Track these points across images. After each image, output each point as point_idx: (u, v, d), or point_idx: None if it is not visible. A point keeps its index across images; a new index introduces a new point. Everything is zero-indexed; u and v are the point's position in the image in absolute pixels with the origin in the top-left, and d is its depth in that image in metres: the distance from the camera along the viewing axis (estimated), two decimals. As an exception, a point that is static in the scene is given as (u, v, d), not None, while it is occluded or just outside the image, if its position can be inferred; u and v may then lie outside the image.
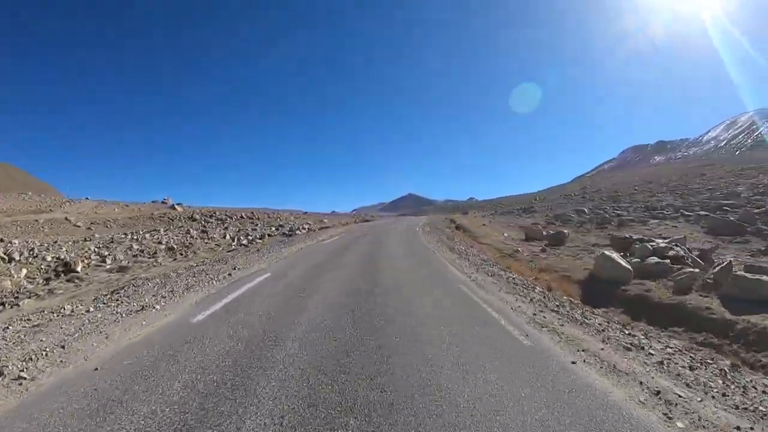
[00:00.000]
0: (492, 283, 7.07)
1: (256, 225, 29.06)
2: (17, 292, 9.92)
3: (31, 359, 3.99)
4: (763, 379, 4.44)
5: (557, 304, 5.71)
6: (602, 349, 4.26)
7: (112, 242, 19.07)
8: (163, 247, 17.82)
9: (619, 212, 25.18)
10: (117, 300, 6.43)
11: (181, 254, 16.18)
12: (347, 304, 5.55)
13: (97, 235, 25.14)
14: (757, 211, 18.34)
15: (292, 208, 62.18)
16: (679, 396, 3.38)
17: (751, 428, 2.93)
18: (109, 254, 16.05)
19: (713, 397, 3.47)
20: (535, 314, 5.19)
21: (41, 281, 11.86)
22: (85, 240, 21.68)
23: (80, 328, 4.88)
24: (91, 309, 5.87)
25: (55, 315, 5.84)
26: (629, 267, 7.44)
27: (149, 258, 15.54)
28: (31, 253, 16.21)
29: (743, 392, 3.72)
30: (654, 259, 7.78)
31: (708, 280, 6.72)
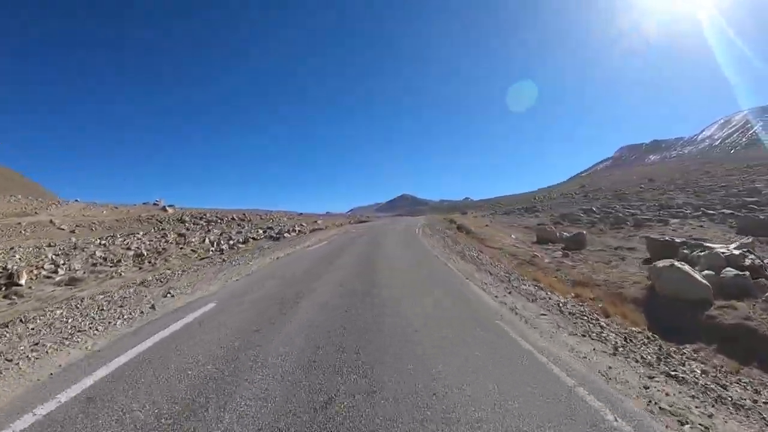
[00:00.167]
0: (540, 314, 4.83)
1: (243, 227, 27.03)
2: None
3: None
4: None
5: (657, 352, 3.75)
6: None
7: (75, 248, 17.00)
8: (131, 253, 15.81)
9: (631, 211, 23.51)
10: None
11: (150, 262, 14.19)
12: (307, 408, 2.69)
13: (74, 239, 23.14)
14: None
15: (287, 210, 60.09)
16: None
17: None
18: (65, 263, 14.00)
19: None
20: (647, 387, 3.08)
21: (-36, 299, 9.81)
22: (50, 245, 19.56)
23: None
24: None
25: None
26: (707, 283, 5.66)
27: (111, 267, 13.53)
28: (-25, 262, 14.13)
29: None
30: (731, 271, 6.03)
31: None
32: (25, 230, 29.42)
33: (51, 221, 34.64)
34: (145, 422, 2.60)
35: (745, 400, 3.11)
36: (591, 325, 4.47)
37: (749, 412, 2.86)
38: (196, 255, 15.07)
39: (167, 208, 48.85)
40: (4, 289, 10.98)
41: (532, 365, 3.45)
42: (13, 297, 10.11)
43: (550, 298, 5.74)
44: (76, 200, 55.02)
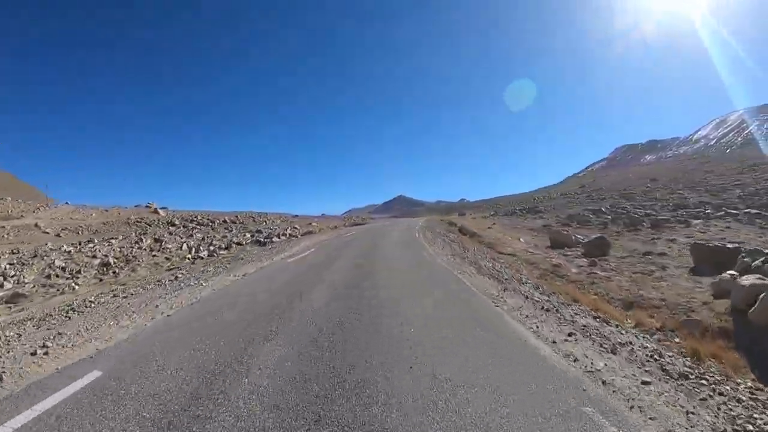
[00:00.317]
0: (642, 384, 3.07)
1: (231, 231, 25.26)
2: None
3: None
4: None
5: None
6: None
7: (35, 256, 15.17)
8: (97, 262, 14.04)
9: (645, 211, 22.03)
10: None
11: (114, 273, 12.45)
12: None
13: (48, 245, 21.34)
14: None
15: (283, 212, 58.29)
16: None
17: None
18: (15, 274, 12.21)
19: None
20: None
21: None
22: (12, 252, 17.68)
23: None
24: None
25: None
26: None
27: (68, 279, 11.77)
28: None
29: None
30: None
31: None
32: (8, 234, 27.88)
33: (36, 225, 33.09)
34: None
35: None
36: (733, 403, 2.83)
37: None
38: (169, 263, 13.35)
39: (159, 210, 47.16)
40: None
41: None
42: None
43: (629, 343, 4.01)
44: (67, 203, 53.12)
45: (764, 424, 2.59)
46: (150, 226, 34.75)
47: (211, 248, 15.40)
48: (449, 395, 2.88)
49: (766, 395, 3.06)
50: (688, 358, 3.80)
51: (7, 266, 13.58)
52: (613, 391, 3.02)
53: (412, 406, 2.74)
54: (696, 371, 3.38)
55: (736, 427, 2.56)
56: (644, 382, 3.08)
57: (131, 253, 15.53)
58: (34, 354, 4.05)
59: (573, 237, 14.68)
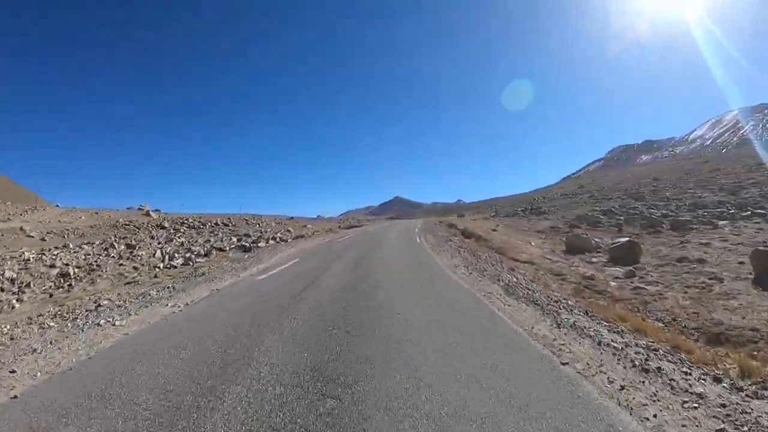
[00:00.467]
0: None
1: (217, 235, 23.55)
2: None
3: None
4: None
5: None
6: None
7: (-13, 266, 13.40)
8: (55, 272, 12.31)
9: (662, 212, 20.62)
10: None
11: (69, 285, 10.76)
12: None
13: (24, 252, 19.64)
14: None
15: (280, 213, 56.49)
16: None
17: None
18: (-49, 289, 10.48)
19: None
20: None
21: None
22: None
23: None
24: None
25: None
26: None
27: (12, 294, 10.06)
28: None
29: None
30: None
31: None
32: (-8, 238, 26.00)
33: (22, 228, 31.37)
34: None
35: None
36: None
37: None
38: (135, 273, 11.66)
39: (152, 213, 45.53)
40: None
41: None
42: None
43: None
44: (57, 205, 51.20)
45: None
46: (139, 229, 33.06)
47: (187, 255, 13.73)
48: None
49: None
50: None
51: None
52: None
53: None
54: None
55: None
56: None
57: (98, 260, 13.82)
58: None
59: (592, 241, 13.19)
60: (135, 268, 12.40)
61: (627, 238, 11.79)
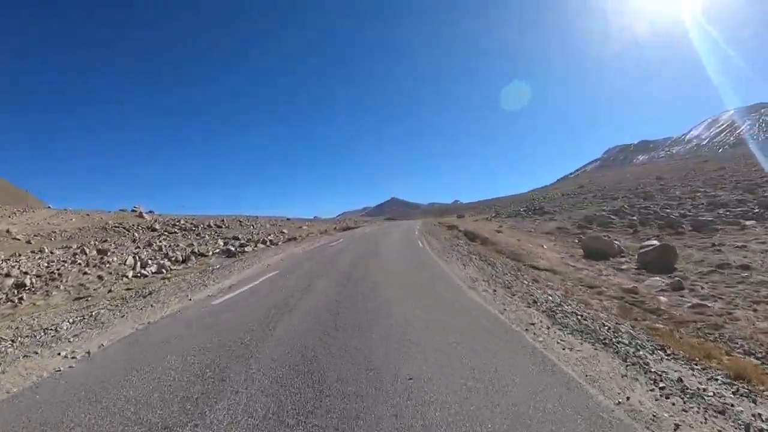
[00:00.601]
0: None
1: (203, 237, 22.04)
2: None
3: None
4: None
5: None
6: None
7: (-66, 275, 11.86)
8: (10, 282, 10.84)
9: (679, 211, 19.37)
10: None
11: (20, 299, 9.28)
12: None
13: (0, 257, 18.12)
14: None
15: (278, 215, 55.02)
16: None
17: None
18: None
19: None
20: None
21: None
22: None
23: None
24: None
25: None
26: None
27: (-53, 311, 8.57)
28: None
29: None
30: None
31: None
32: (-25, 240, 24.47)
33: (8, 231, 29.79)
34: None
35: None
36: None
37: None
38: (99, 283, 10.19)
39: (144, 214, 44.02)
40: None
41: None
42: None
43: None
44: (49, 207, 49.56)
45: None
46: (128, 231, 31.64)
47: (163, 262, 12.26)
48: None
49: None
50: None
51: None
52: None
53: None
54: None
55: None
56: None
57: (62, 268, 12.32)
58: None
59: (615, 244, 11.86)
60: (100, 277, 10.91)
61: (657, 242, 10.48)
